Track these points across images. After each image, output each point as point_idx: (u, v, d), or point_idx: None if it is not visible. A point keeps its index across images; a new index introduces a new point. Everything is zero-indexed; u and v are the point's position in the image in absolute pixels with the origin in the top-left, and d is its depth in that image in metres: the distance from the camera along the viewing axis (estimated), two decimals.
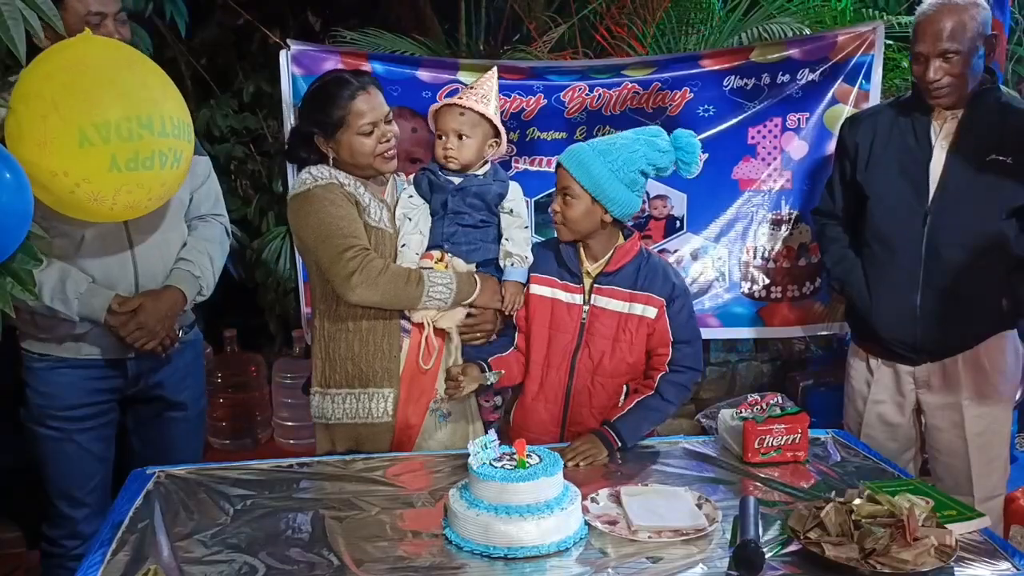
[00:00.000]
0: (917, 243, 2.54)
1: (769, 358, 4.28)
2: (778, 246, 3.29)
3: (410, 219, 2.45)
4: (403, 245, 2.41)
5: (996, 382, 2.61)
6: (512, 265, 2.46)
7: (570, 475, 1.95)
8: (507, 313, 2.45)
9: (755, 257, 3.31)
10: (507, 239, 2.48)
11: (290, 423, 4.14)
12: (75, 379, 2.42)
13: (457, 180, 2.45)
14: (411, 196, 2.48)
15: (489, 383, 2.38)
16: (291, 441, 4.14)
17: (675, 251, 3.29)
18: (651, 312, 2.34)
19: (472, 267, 2.45)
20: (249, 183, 4.38)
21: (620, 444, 2.27)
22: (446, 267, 2.41)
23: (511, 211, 2.50)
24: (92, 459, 2.49)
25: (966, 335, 2.59)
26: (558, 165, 2.35)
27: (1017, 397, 2.93)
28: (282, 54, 3.15)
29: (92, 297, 2.31)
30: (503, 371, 2.38)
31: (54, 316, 2.32)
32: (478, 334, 2.46)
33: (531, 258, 2.49)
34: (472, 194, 2.45)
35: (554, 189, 3.20)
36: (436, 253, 2.43)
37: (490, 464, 1.83)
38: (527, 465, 1.82)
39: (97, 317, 2.32)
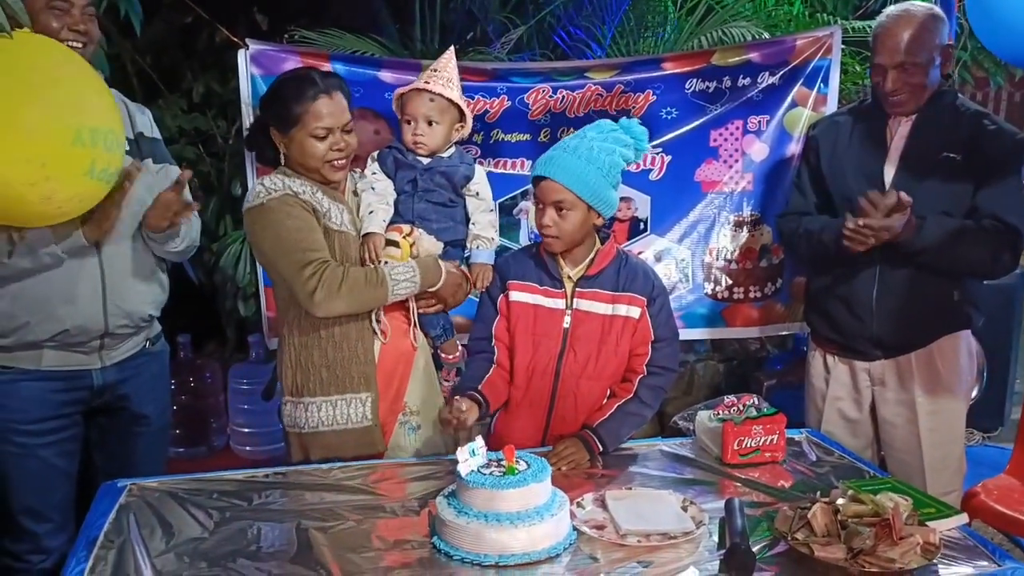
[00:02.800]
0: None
1: (725, 358, 4.34)
2: (740, 247, 3.33)
3: (374, 188, 2.42)
4: (371, 212, 2.39)
5: (949, 380, 2.67)
6: (478, 248, 2.49)
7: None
8: (477, 291, 2.47)
9: (718, 258, 3.35)
10: (474, 223, 2.51)
11: (247, 430, 4.07)
12: (38, 392, 2.33)
13: (426, 160, 2.45)
14: (375, 172, 2.46)
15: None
16: (247, 448, 4.07)
17: (639, 253, 3.30)
18: (635, 312, 2.35)
19: (439, 246, 2.45)
20: (199, 183, 4.28)
21: (601, 449, 2.27)
22: (413, 244, 2.40)
23: (477, 194, 2.52)
24: (56, 474, 2.40)
25: (920, 333, 2.65)
26: (541, 178, 2.28)
27: (974, 395, 3.01)
28: (240, 54, 3.09)
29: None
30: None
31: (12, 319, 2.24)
32: (433, 301, 2.46)
33: (497, 240, 2.54)
34: (440, 174, 2.45)
35: (520, 191, 3.29)
36: (405, 227, 2.42)
37: (478, 471, 1.81)
38: (516, 471, 1.81)
39: (79, 243, 2.25)
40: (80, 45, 2.24)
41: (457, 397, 2.27)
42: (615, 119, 3.07)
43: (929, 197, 2.53)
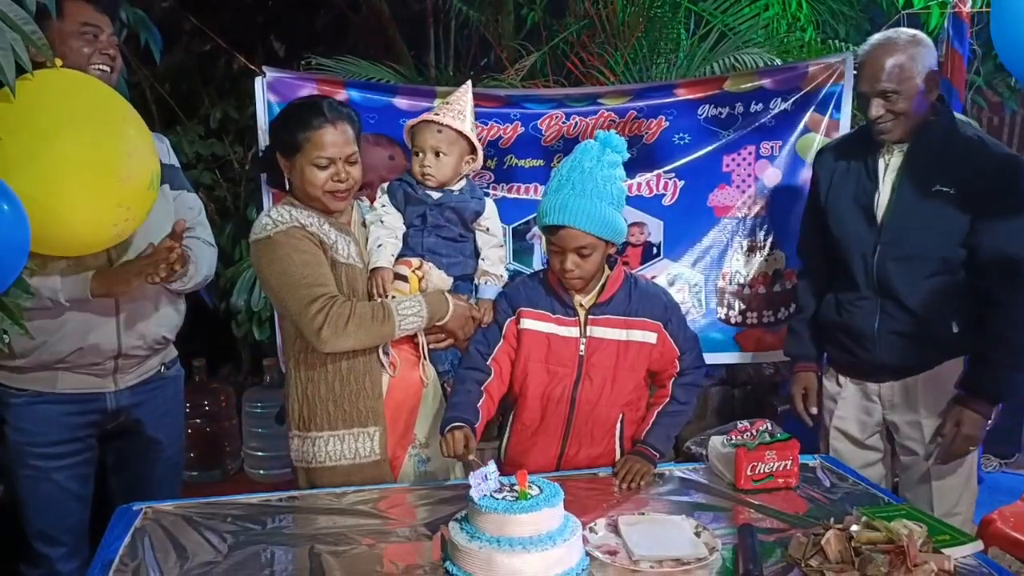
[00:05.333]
0: (870, 271, 2.61)
1: (739, 383, 4.33)
2: (753, 272, 3.34)
3: (383, 221, 2.42)
4: (379, 246, 2.38)
5: None
6: (486, 283, 2.49)
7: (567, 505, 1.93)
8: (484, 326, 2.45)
9: (731, 283, 3.35)
10: (483, 258, 2.50)
11: (260, 453, 4.08)
12: (53, 414, 2.35)
13: (436, 195, 2.44)
14: (384, 205, 2.46)
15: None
16: (261, 471, 4.08)
17: (652, 277, 3.30)
18: (651, 337, 2.36)
19: (449, 281, 2.44)
20: (215, 208, 4.33)
21: (659, 455, 2.34)
22: (422, 278, 2.41)
23: (487, 229, 2.51)
24: (69, 498, 2.42)
25: (923, 357, 2.64)
26: (558, 227, 2.23)
27: (989, 421, 2.98)
28: (258, 81, 3.13)
29: (73, 275, 2.26)
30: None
31: (39, 314, 2.24)
32: (443, 335, 2.45)
33: (505, 276, 2.52)
34: (450, 209, 2.44)
35: (533, 216, 3.30)
36: (415, 261, 2.42)
37: (491, 496, 1.81)
38: (529, 496, 1.80)
39: (83, 295, 2.26)
40: (108, 70, 2.29)
41: (455, 431, 2.24)
42: (628, 145, 3.08)
43: (921, 232, 2.54)
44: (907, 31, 2.59)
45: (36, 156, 1.89)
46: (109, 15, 2.32)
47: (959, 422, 2.55)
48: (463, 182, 2.50)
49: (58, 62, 2.01)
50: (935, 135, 2.57)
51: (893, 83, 2.48)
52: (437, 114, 2.43)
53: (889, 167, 2.61)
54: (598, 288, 2.36)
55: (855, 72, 2.61)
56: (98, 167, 1.98)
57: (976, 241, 2.51)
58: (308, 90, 3.12)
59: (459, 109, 2.44)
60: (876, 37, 2.58)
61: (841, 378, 2.81)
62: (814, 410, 2.83)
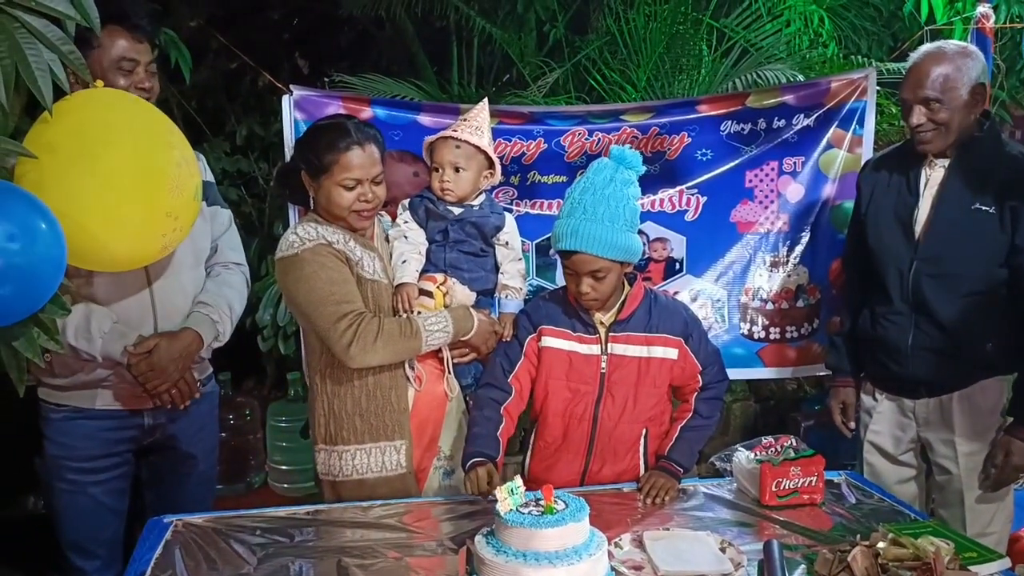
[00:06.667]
0: (906, 286, 2.60)
1: (762, 398, 4.31)
2: (776, 288, 3.33)
3: (407, 237, 2.46)
4: (404, 261, 2.42)
5: (991, 422, 2.64)
6: (507, 297, 2.52)
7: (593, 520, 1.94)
8: (504, 339, 2.48)
9: (754, 299, 3.35)
10: (503, 272, 2.54)
11: (284, 467, 4.10)
12: (91, 430, 2.38)
13: (457, 211, 2.47)
14: (407, 221, 2.49)
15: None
16: (285, 485, 4.11)
17: (675, 293, 3.31)
18: (672, 353, 2.37)
19: (472, 297, 2.48)
20: (242, 224, 4.38)
21: (683, 470, 2.35)
22: (446, 293, 2.44)
23: (507, 243, 2.54)
24: (105, 511, 2.44)
25: (958, 375, 2.61)
26: (571, 252, 2.25)
27: None
28: (285, 99, 3.16)
29: (115, 337, 2.28)
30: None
31: (74, 358, 2.28)
32: (467, 350, 2.48)
33: (525, 290, 2.56)
34: (471, 224, 2.48)
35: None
36: (439, 276, 2.46)
37: (517, 510, 1.82)
38: (554, 511, 1.81)
39: (118, 358, 2.28)
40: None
41: (478, 468, 2.25)
42: (650, 161, 3.14)
43: (959, 249, 2.52)
44: (956, 43, 2.58)
45: (87, 170, 1.92)
46: (149, 41, 2.35)
47: (1008, 452, 2.53)
48: (482, 197, 2.54)
49: (99, 83, 2.05)
50: (980, 151, 2.55)
51: (936, 91, 2.47)
52: (455, 130, 2.47)
53: (930, 182, 2.60)
54: (618, 305, 2.38)
55: (901, 79, 2.59)
56: (150, 178, 2.02)
57: (1019, 262, 2.49)
58: (334, 108, 3.15)
59: (476, 125, 2.48)
60: (926, 46, 2.58)
61: (878, 393, 2.80)
62: (852, 425, 2.84)
